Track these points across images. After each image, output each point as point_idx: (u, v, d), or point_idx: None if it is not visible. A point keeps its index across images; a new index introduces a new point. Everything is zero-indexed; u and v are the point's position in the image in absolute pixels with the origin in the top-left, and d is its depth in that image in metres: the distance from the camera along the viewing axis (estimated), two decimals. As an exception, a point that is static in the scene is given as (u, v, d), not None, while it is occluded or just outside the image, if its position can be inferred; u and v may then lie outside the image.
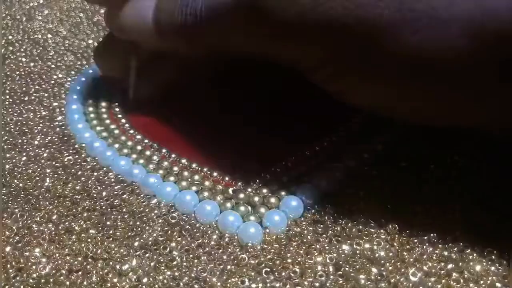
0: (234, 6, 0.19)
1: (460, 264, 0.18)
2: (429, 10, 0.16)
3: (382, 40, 0.16)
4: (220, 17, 0.20)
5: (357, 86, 0.19)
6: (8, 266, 0.18)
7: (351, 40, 0.17)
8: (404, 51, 0.16)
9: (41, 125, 0.26)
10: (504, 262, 0.18)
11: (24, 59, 0.32)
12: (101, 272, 0.18)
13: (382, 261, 0.18)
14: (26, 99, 0.28)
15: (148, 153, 0.24)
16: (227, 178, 0.23)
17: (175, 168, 0.23)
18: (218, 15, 0.20)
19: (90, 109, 0.28)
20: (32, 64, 0.32)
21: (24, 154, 0.24)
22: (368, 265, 0.18)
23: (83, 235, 0.20)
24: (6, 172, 0.23)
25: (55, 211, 0.20)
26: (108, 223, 0.20)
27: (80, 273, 0.18)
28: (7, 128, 0.26)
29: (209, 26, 0.21)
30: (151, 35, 0.23)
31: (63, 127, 0.26)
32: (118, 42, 0.25)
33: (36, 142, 0.25)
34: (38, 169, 0.23)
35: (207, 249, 0.19)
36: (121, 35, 0.24)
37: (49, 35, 0.35)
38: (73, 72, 0.31)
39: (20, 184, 0.22)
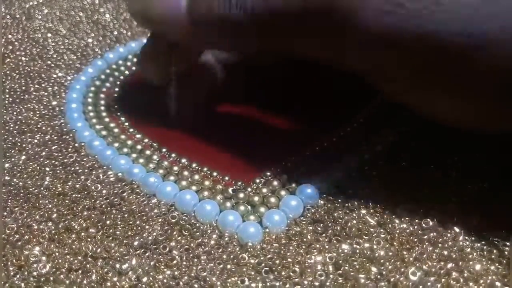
0: (309, 10, 0.17)
1: (460, 263, 0.18)
2: None
3: (480, 56, 0.16)
4: (283, 18, 0.17)
5: (436, 101, 0.18)
6: (9, 264, 0.18)
7: (445, 55, 0.16)
8: (502, 69, 0.16)
9: (40, 123, 0.26)
10: (504, 261, 0.18)
11: (23, 58, 0.32)
12: (100, 271, 0.18)
13: (382, 260, 0.18)
14: (25, 98, 0.28)
15: (148, 152, 0.24)
16: (227, 178, 0.23)
17: (175, 168, 0.23)
18: (279, 15, 0.17)
19: (90, 107, 0.28)
20: (31, 63, 0.32)
21: (24, 153, 0.24)
22: (367, 264, 0.18)
23: (83, 234, 0.20)
24: (6, 171, 0.23)
25: (55, 210, 0.20)
26: (108, 222, 0.20)
27: (80, 272, 0.18)
28: (7, 127, 0.26)
29: (264, 25, 0.18)
30: (182, 28, 0.19)
31: (62, 126, 0.26)
32: (160, 46, 0.23)
33: (36, 141, 0.25)
34: (38, 168, 0.23)
35: (207, 248, 0.19)
36: (147, 25, 0.22)
37: (49, 34, 0.35)
38: (72, 71, 0.31)
39: (20, 183, 0.22)
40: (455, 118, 0.19)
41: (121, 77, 0.31)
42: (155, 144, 0.25)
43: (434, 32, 0.16)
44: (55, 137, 0.25)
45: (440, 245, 0.19)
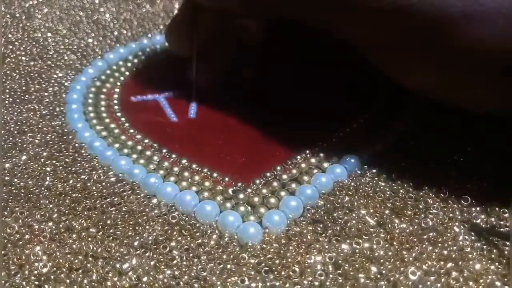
0: None
1: (460, 263, 0.18)
2: (497, 6, 0.16)
3: (451, 30, 0.17)
4: None
5: (414, 71, 0.20)
6: (10, 263, 0.18)
7: (421, 26, 0.18)
8: (470, 43, 0.17)
9: (41, 124, 0.26)
10: (504, 260, 0.18)
11: (24, 58, 0.32)
12: (101, 271, 0.18)
13: (382, 260, 0.18)
14: (26, 98, 0.28)
15: (148, 153, 0.24)
16: (227, 179, 0.23)
17: (176, 169, 0.23)
18: None
19: (90, 108, 0.28)
20: (32, 63, 0.32)
21: (25, 153, 0.24)
22: (367, 264, 0.18)
23: (83, 233, 0.20)
24: (6, 171, 0.23)
25: (56, 210, 0.21)
26: (108, 222, 0.20)
27: (80, 271, 0.18)
28: (7, 127, 0.26)
29: None
30: None
31: (63, 126, 0.26)
32: (185, 21, 0.27)
33: (37, 141, 0.25)
34: (38, 168, 0.23)
35: (207, 248, 0.19)
36: None
37: (49, 34, 0.35)
38: (73, 71, 0.31)
39: (21, 183, 0.22)
40: (428, 88, 0.21)
41: (122, 78, 0.31)
42: (155, 145, 0.25)
43: (409, 5, 0.17)
44: (56, 138, 0.25)
45: (439, 244, 0.19)
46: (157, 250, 0.19)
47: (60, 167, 0.23)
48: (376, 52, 0.21)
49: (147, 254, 0.19)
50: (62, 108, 0.28)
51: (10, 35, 0.35)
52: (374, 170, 0.23)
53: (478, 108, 0.21)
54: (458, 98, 0.20)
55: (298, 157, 0.23)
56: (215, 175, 0.23)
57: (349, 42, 0.21)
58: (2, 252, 0.19)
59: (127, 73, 0.32)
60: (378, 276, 0.18)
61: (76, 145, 0.25)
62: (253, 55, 0.30)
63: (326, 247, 0.19)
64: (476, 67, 0.18)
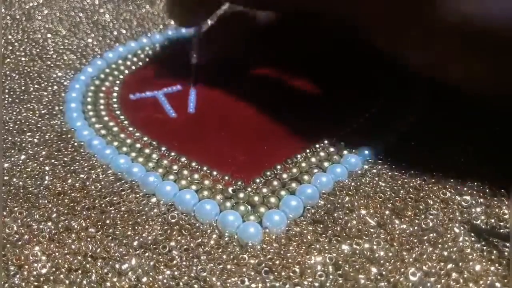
0: None
1: (460, 264, 0.18)
2: None
3: (436, 3, 0.18)
4: None
5: (407, 47, 0.21)
6: (9, 263, 0.18)
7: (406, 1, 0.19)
8: (458, 17, 0.18)
9: (40, 123, 0.26)
10: (504, 262, 0.18)
11: (23, 59, 0.32)
12: (100, 271, 0.18)
13: (382, 261, 0.18)
14: (25, 97, 0.28)
15: (147, 151, 0.24)
16: (226, 177, 0.23)
17: (175, 167, 0.23)
18: None
19: (89, 107, 0.28)
20: (31, 63, 0.32)
21: (23, 152, 0.24)
22: (367, 265, 0.18)
23: (82, 233, 0.20)
24: (5, 171, 0.23)
25: (55, 210, 0.20)
26: (107, 221, 0.20)
27: (79, 272, 0.18)
28: (6, 127, 0.26)
29: None
30: None
31: (62, 125, 0.26)
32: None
33: (35, 140, 0.25)
34: (37, 167, 0.23)
35: (206, 248, 0.19)
36: None
37: (49, 35, 0.35)
38: (72, 71, 0.31)
39: (20, 183, 0.22)
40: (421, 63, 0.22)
41: (121, 76, 0.31)
42: (154, 143, 0.25)
43: None
44: (55, 137, 0.25)
45: (440, 245, 0.19)
46: (157, 250, 0.19)
47: (59, 166, 0.23)
48: (376, 31, 0.22)
49: (146, 254, 0.19)
50: (61, 107, 0.28)
51: (10, 36, 0.35)
52: (375, 171, 0.23)
53: (474, 87, 0.21)
54: (456, 75, 0.21)
55: (299, 156, 0.23)
56: (214, 173, 0.23)
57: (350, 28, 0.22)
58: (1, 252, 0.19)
59: (126, 71, 0.32)
60: (378, 277, 0.18)
61: (75, 144, 0.25)
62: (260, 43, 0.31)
63: (326, 247, 0.19)
64: (467, 42, 0.18)
